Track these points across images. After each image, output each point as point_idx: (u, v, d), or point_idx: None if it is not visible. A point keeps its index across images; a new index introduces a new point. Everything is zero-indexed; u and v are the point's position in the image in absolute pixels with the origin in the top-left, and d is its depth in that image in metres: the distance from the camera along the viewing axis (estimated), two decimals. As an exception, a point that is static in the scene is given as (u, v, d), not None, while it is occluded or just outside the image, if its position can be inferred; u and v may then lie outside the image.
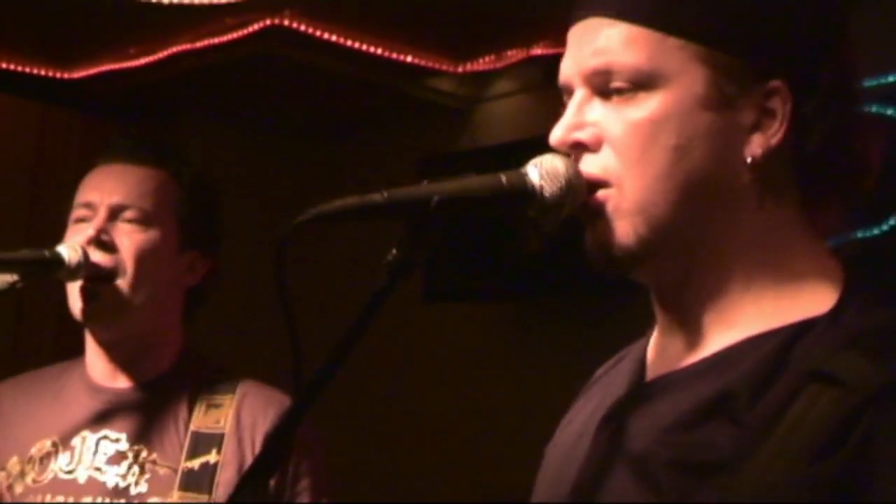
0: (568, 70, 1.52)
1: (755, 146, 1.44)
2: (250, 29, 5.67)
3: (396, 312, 4.69)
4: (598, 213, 1.47)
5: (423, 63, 6.05)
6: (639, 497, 1.46)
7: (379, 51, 5.88)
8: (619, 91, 1.46)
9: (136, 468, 2.61)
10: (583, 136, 1.47)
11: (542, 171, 1.47)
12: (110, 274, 2.57)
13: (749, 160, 1.44)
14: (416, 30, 5.83)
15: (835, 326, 1.44)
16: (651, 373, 1.58)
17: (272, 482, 2.38)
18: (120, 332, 2.64)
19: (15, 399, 2.78)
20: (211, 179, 2.80)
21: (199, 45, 5.89)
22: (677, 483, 1.43)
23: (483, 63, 6.11)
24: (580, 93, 1.49)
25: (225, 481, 2.60)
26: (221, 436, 2.64)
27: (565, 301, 5.88)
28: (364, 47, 5.86)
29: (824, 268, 1.48)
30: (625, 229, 1.46)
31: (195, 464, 2.63)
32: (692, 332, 1.51)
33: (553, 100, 5.17)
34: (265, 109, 6.89)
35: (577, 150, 1.48)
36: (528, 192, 1.47)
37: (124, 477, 2.60)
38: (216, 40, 5.85)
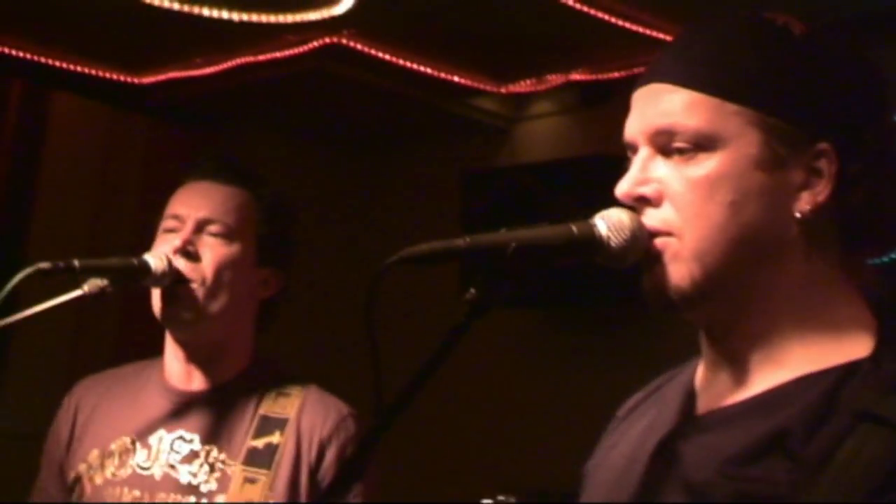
0: (633, 129, 1.60)
1: (803, 203, 1.51)
2: (309, 46, 5.81)
3: (434, 310, 4.70)
4: (657, 259, 1.55)
5: (468, 83, 6.23)
6: None
7: (428, 70, 6.03)
8: (680, 151, 1.54)
9: (206, 466, 2.69)
10: (647, 191, 1.55)
11: (609, 224, 1.54)
12: (190, 280, 2.67)
13: (798, 216, 1.51)
14: (463, 52, 6.00)
15: (878, 370, 1.49)
16: (701, 405, 1.63)
17: (304, 483, 2.67)
18: (196, 335, 2.73)
19: (98, 396, 2.87)
20: (288, 201, 2.89)
21: (260, 58, 6.02)
22: None
23: (524, 85, 6.29)
24: (644, 151, 1.57)
25: (286, 463, 2.68)
26: (286, 420, 2.73)
27: (590, 310, 5.93)
28: (414, 66, 6.02)
29: (861, 316, 1.54)
30: (681, 274, 1.53)
31: (260, 443, 2.72)
32: (741, 369, 1.57)
33: (588, 122, 5.42)
34: (317, 123, 7.03)
35: (640, 203, 1.56)
36: (596, 242, 1.54)
37: (195, 475, 2.68)
38: (277, 55, 5.98)
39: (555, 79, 6.17)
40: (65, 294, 2.60)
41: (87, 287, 2.59)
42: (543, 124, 6.69)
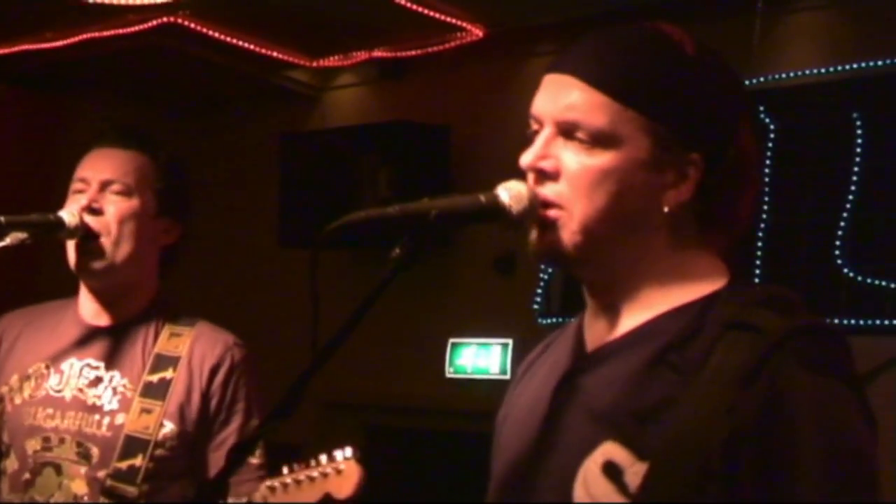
0: (542, 109, 1.66)
1: (670, 199, 1.61)
2: (149, 24, 6.07)
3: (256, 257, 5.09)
4: (548, 226, 1.63)
5: (284, 57, 6.63)
6: (602, 437, 1.59)
7: (250, 46, 6.40)
8: (580, 140, 1.61)
9: (109, 390, 2.80)
10: (546, 165, 1.62)
11: (510, 194, 1.63)
12: (98, 234, 2.75)
13: (665, 210, 1.61)
14: (281, 31, 6.35)
15: (735, 296, 1.61)
16: (590, 345, 1.71)
17: (213, 404, 2.78)
18: (104, 281, 2.81)
19: (20, 327, 2.95)
20: (181, 161, 3.00)
21: (105, 34, 6.22)
22: (636, 425, 1.57)
23: (332, 60, 6.70)
24: (548, 131, 1.64)
25: (177, 394, 2.79)
26: (178, 358, 2.83)
27: (389, 249, 6.23)
28: (238, 43, 6.35)
29: (715, 269, 1.66)
30: (568, 241, 1.62)
31: (154, 378, 2.83)
32: (619, 313, 1.67)
33: (386, 93, 6.22)
34: (154, 91, 7.19)
35: (539, 174, 1.64)
36: (500, 209, 1.63)
37: (100, 397, 2.79)
38: (121, 31, 6.19)
39: (359, 55, 6.56)
40: None
41: (9, 239, 2.69)
42: (348, 94, 7.02)
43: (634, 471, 1.56)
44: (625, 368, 1.63)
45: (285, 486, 2.53)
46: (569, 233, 1.63)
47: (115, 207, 2.77)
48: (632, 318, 1.66)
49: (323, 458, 2.51)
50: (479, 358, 6.29)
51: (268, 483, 2.55)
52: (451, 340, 6.33)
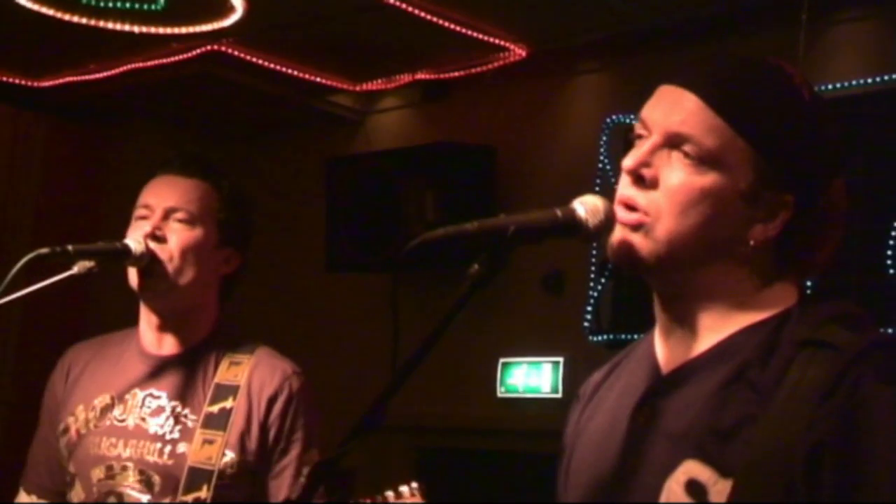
0: (653, 118, 1.67)
1: (758, 233, 1.64)
2: (193, 53, 6.10)
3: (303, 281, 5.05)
4: (632, 229, 1.65)
5: (327, 82, 6.63)
6: (683, 456, 1.60)
7: (294, 72, 6.40)
8: (687, 156, 1.62)
9: (172, 419, 2.81)
10: (647, 173, 1.64)
11: (586, 208, 1.64)
12: (161, 260, 2.77)
13: (751, 243, 1.64)
14: (323, 57, 6.36)
15: (806, 313, 1.64)
16: (665, 366, 1.72)
17: (272, 434, 2.77)
18: (166, 302, 2.83)
19: (87, 359, 2.97)
20: (244, 191, 3.00)
21: (149, 63, 6.26)
22: (717, 443, 1.58)
23: (376, 84, 6.68)
24: (655, 139, 1.65)
25: (237, 424, 2.80)
26: (237, 387, 2.84)
27: (430, 272, 5.65)
28: (281, 69, 6.35)
29: (787, 291, 1.68)
30: (650, 250, 1.63)
31: (215, 408, 2.83)
32: (693, 329, 1.68)
33: (430, 115, 6.15)
34: (198, 118, 7.18)
35: (637, 179, 1.66)
36: (577, 223, 1.64)
37: (162, 426, 2.80)
38: (164, 60, 6.22)
39: (402, 78, 6.52)
40: (57, 275, 2.71)
41: (77, 268, 2.72)
42: (392, 117, 7.00)
43: (718, 489, 1.57)
44: (703, 388, 1.64)
45: None
46: (653, 242, 1.64)
47: (177, 236, 2.79)
48: (706, 337, 1.67)
49: (390, 493, 2.46)
50: (530, 377, 6.25)
51: None
52: (502, 360, 6.29)
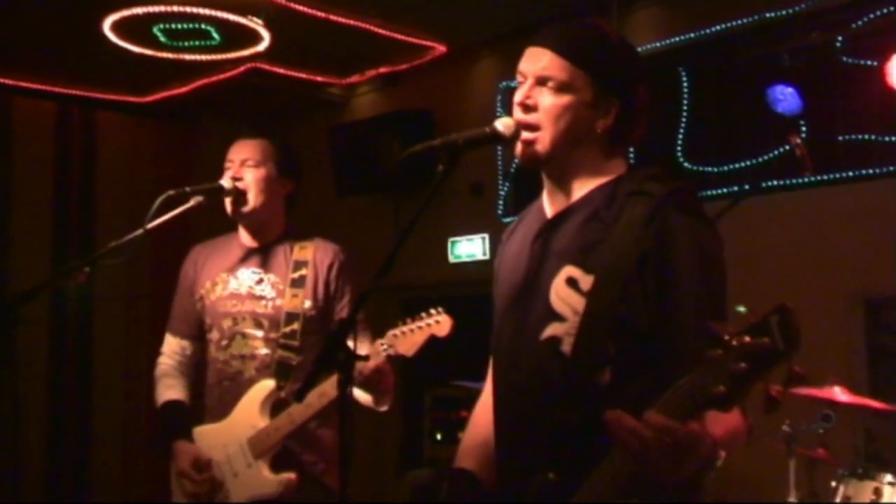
0: (526, 68, 2.06)
1: (600, 125, 2.07)
2: (239, 70, 7.31)
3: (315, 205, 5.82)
4: (529, 143, 2.05)
5: (325, 80, 7.86)
6: (563, 264, 2.01)
7: (304, 75, 7.67)
8: (550, 88, 2.03)
9: (269, 285, 3.31)
10: (529, 102, 2.04)
11: (503, 125, 2.03)
12: (244, 191, 3.26)
13: (598, 131, 2.07)
14: (320, 62, 7.49)
15: (633, 175, 2.07)
16: (550, 214, 2.14)
17: (332, 288, 3.34)
18: (250, 219, 3.33)
19: (206, 253, 3.49)
20: (290, 143, 3.41)
21: (213, 78, 7.50)
22: (583, 255, 1.98)
23: (355, 77, 7.95)
24: (531, 81, 2.04)
25: (310, 283, 3.27)
26: (307, 262, 3.31)
27: (417, 192, 5.99)
28: (298, 74, 7.50)
29: (621, 162, 2.13)
30: (542, 150, 2.04)
31: (296, 275, 3.31)
32: (565, 192, 2.10)
33: (390, 95, 8.88)
34: (249, 111, 8.02)
35: (525, 107, 2.04)
36: (497, 134, 2.04)
37: (263, 290, 3.32)
38: (222, 76, 7.44)
39: (370, 73, 7.83)
40: (176, 209, 3.06)
41: (193, 201, 3.12)
42: (366, 98, 8.17)
43: (585, 281, 1.97)
44: (573, 224, 2.05)
45: (404, 332, 2.90)
46: (542, 145, 2.04)
47: (251, 175, 3.29)
48: (574, 194, 2.09)
49: (423, 314, 2.83)
50: (468, 248, 7.40)
51: (392, 332, 2.96)
52: (450, 239, 7.50)
